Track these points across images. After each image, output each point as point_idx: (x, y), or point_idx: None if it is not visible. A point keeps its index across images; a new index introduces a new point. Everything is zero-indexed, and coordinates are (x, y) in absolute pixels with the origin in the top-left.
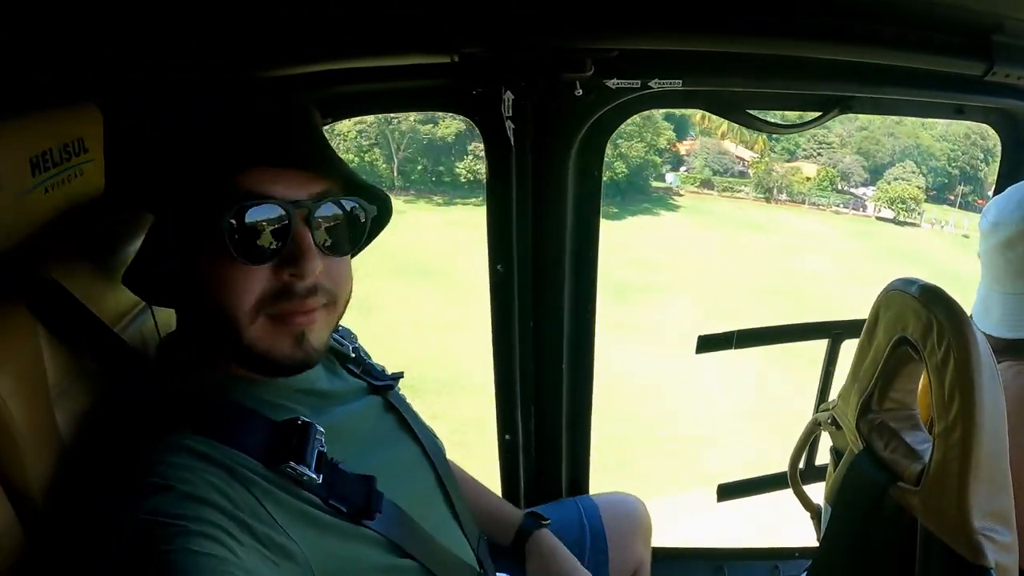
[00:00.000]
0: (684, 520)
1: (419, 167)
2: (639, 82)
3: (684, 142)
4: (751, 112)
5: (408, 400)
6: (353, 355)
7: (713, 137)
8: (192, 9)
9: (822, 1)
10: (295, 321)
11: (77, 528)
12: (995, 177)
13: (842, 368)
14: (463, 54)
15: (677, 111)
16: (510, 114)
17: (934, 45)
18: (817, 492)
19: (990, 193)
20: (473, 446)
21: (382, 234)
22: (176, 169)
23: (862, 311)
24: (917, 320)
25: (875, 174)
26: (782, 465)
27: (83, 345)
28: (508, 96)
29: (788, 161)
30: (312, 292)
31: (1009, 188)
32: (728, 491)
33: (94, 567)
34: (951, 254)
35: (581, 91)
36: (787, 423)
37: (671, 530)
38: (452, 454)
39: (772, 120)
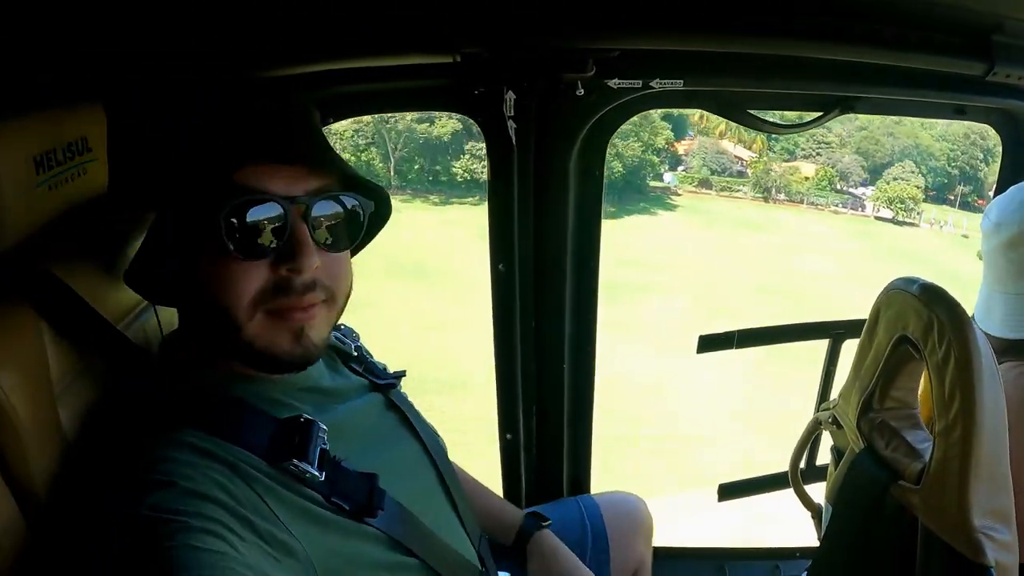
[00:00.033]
0: (684, 520)
1: (416, 166)
2: (640, 82)
3: (682, 142)
4: (752, 112)
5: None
6: (355, 353)
7: (711, 137)
8: (194, 9)
9: (823, 1)
10: (294, 317)
11: (80, 524)
12: (995, 177)
13: (843, 368)
14: (465, 54)
15: (675, 111)
16: (512, 114)
17: (935, 45)
18: (818, 492)
19: (990, 193)
20: (471, 445)
21: (379, 234)
22: (175, 168)
23: (860, 310)
24: (918, 319)
25: (874, 174)
26: (776, 465)
27: (87, 342)
28: (510, 96)
29: (787, 161)
30: (310, 288)
31: (1011, 188)
32: (729, 491)
33: (96, 563)
34: (950, 254)
35: (583, 91)
36: (777, 423)
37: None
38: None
39: (773, 120)
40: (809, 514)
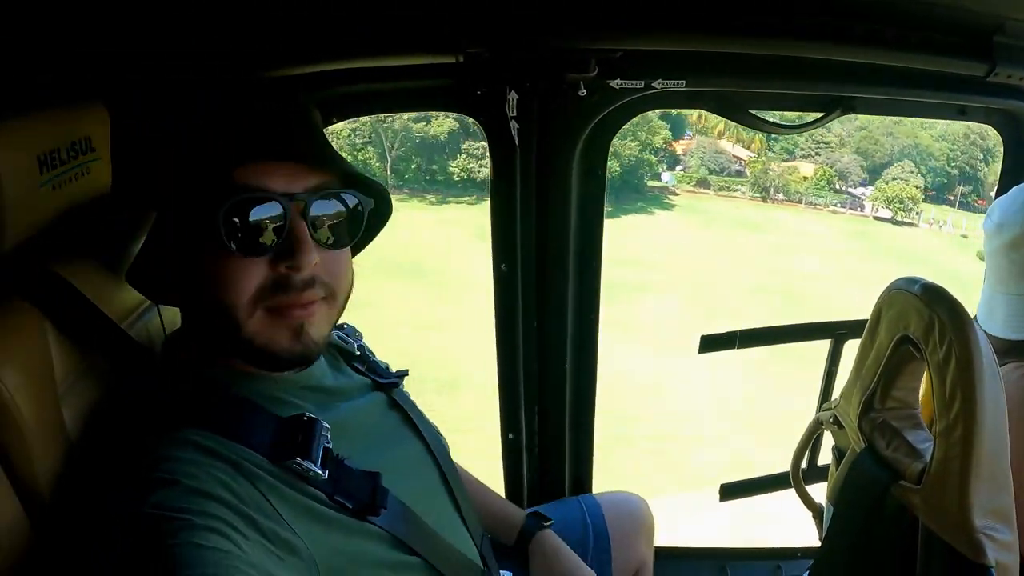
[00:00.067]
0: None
1: (413, 166)
2: (643, 82)
3: (680, 141)
4: (754, 112)
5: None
6: (358, 353)
7: (710, 136)
8: (197, 9)
9: (825, 2)
10: (293, 314)
11: (83, 523)
12: (995, 177)
13: (844, 368)
14: (468, 54)
15: (673, 110)
16: (514, 114)
17: (936, 46)
18: (820, 492)
19: (991, 194)
20: (469, 444)
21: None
22: (175, 167)
23: (857, 309)
24: (919, 319)
25: (873, 174)
26: (773, 465)
27: (90, 342)
28: (512, 96)
29: (786, 160)
30: (309, 284)
31: (1013, 189)
32: (730, 491)
33: (100, 561)
34: (949, 254)
35: (585, 91)
36: (776, 423)
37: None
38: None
39: (775, 120)
40: (810, 514)
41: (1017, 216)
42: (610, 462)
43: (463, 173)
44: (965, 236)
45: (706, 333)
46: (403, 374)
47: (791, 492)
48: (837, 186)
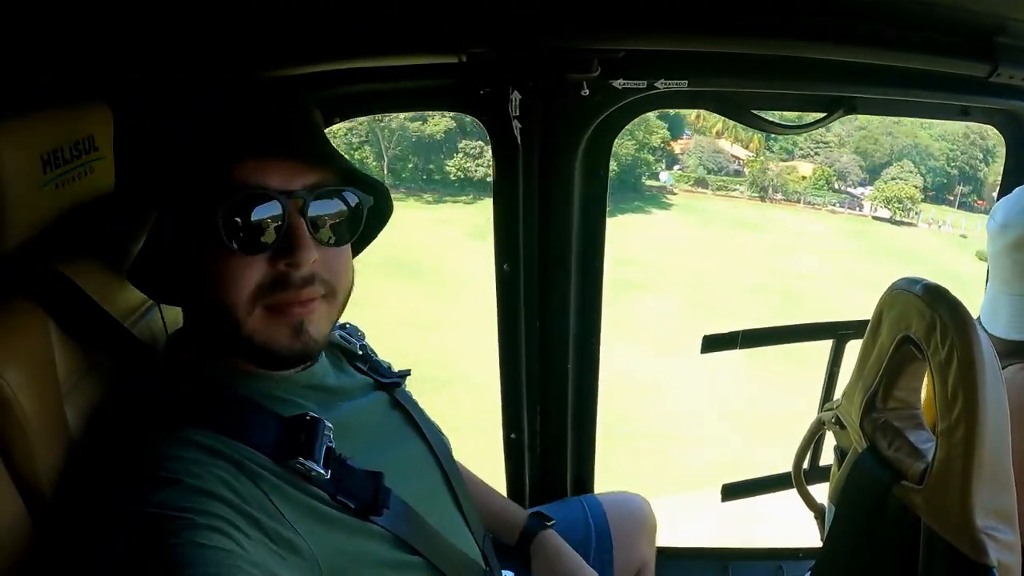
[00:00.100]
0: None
1: (409, 165)
2: (645, 82)
3: (679, 140)
4: (756, 113)
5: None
6: (360, 352)
7: (708, 136)
8: (199, 9)
9: (827, 2)
10: (292, 312)
11: (85, 521)
12: (995, 177)
13: (846, 368)
14: (470, 54)
15: (671, 109)
16: (517, 114)
17: (938, 47)
18: (822, 492)
19: (993, 195)
20: (468, 443)
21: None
22: (175, 166)
23: (857, 310)
24: (921, 319)
25: (873, 174)
26: (774, 466)
27: (93, 340)
28: (515, 96)
29: (785, 160)
30: (309, 282)
31: (1016, 190)
32: (732, 491)
33: (102, 560)
34: (948, 254)
35: (588, 91)
36: (773, 423)
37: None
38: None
39: (776, 120)
40: (812, 514)
41: (1021, 217)
42: (609, 462)
43: (460, 172)
44: (964, 236)
45: (708, 333)
46: (405, 374)
47: (793, 492)
48: (836, 186)
